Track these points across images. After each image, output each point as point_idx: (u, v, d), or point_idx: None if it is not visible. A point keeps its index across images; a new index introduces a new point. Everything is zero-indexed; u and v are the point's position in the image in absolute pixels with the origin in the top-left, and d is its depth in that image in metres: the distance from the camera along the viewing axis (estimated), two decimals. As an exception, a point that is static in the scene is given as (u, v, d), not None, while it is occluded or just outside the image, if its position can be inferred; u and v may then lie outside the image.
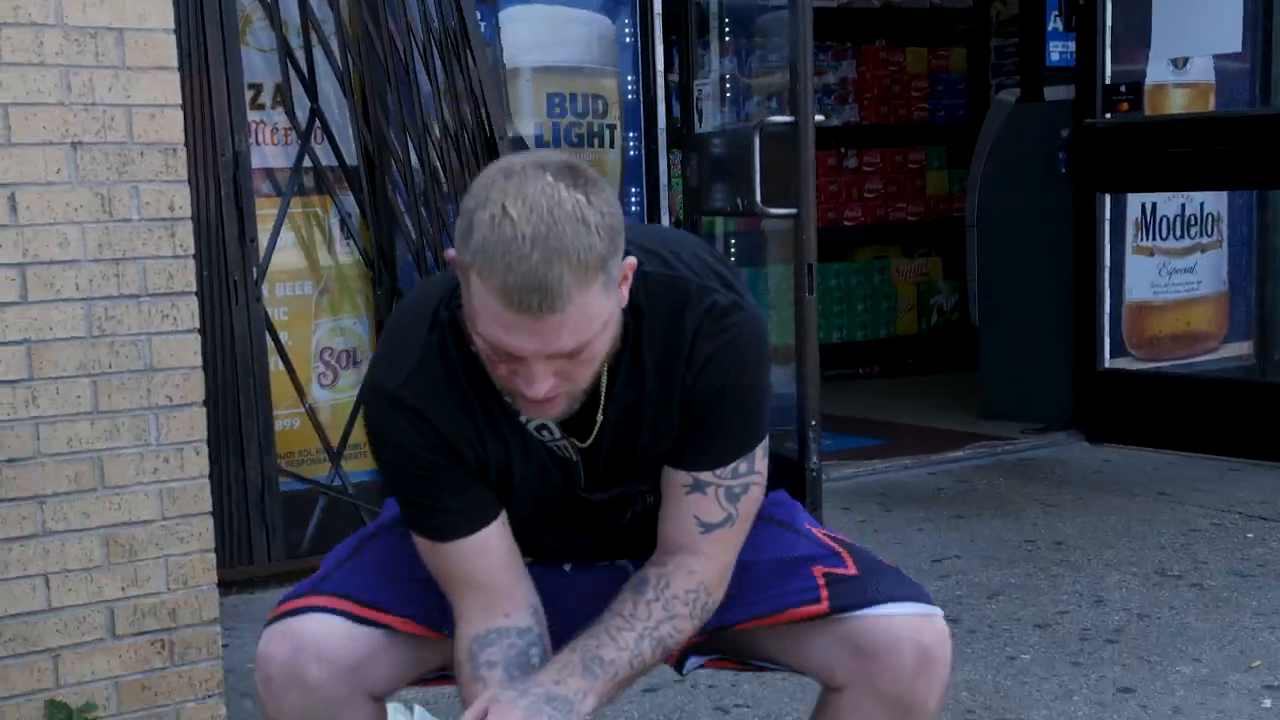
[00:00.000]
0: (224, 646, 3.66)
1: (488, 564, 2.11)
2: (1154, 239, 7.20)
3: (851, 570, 2.27)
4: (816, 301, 4.85)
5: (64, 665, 3.23)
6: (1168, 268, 7.26)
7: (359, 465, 5.20)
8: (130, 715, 3.31)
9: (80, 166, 3.20)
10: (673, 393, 2.09)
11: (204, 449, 3.39)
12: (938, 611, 2.25)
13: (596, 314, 1.90)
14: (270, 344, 4.89)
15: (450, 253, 2.03)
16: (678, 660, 2.34)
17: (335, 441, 5.11)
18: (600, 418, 2.10)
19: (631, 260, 1.99)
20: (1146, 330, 7.26)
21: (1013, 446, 6.93)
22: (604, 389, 2.08)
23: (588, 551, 2.30)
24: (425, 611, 2.21)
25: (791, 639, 2.26)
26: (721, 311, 2.07)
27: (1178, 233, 7.27)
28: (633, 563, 2.24)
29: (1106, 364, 7.09)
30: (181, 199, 3.32)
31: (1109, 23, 6.82)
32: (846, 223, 9.52)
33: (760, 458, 2.16)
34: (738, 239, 8.21)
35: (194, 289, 3.36)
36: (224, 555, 4.62)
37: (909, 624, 2.19)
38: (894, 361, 9.54)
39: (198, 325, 3.37)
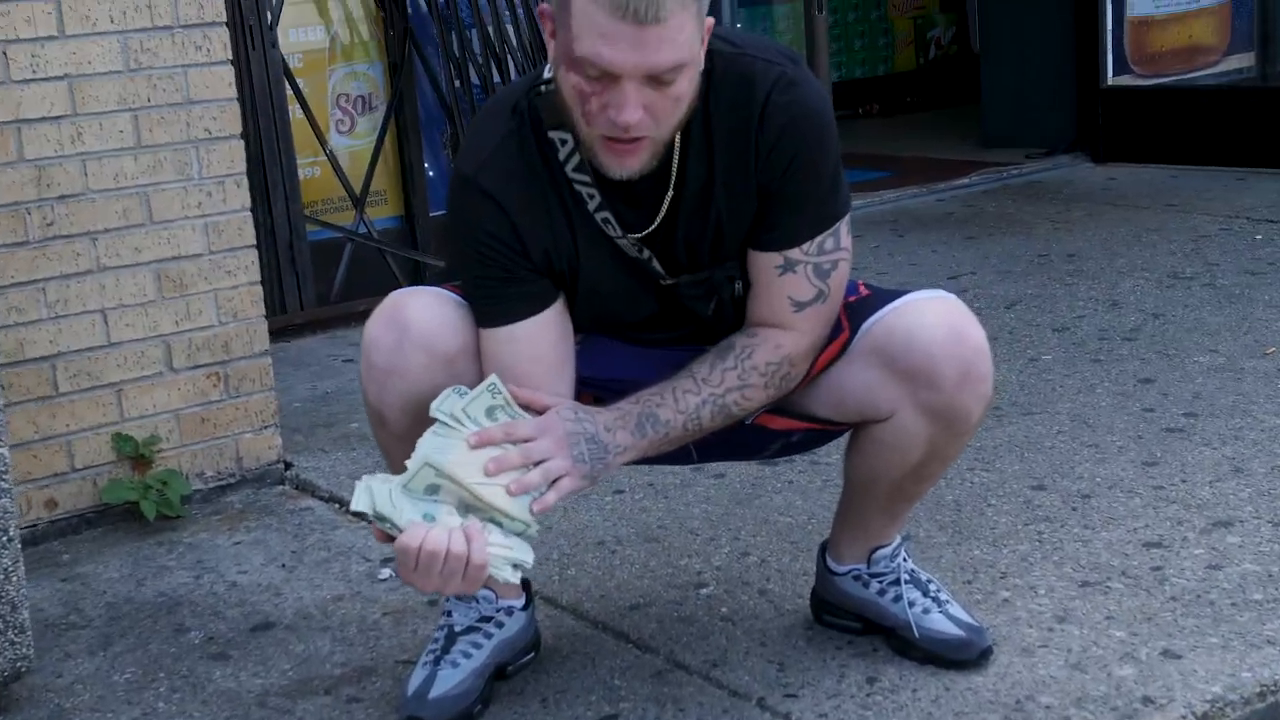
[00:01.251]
0: (269, 388, 3.77)
1: (516, 352, 2.17)
2: (1155, -49, 7.16)
3: (865, 292, 2.34)
4: (827, 20, 4.84)
5: (127, 399, 3.33)
6: (1169, -19, 7.23)
7: (382, 212, 5.27)
8: (191, 447, 3.42)
9: (107, -100, 3.20)
10: (748, 164, 2.14)
11: (244, 182, 3.44)
12: (954, 298, 2.28)
13: (690, 40, 1.97)
14: (289, 90, 4.91)
15: (544, 6, 2.08)
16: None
17: (358, 189, 5.16)
18: (670, 194, 2.15)
19: (710, 20, 2.05)
20: (1148, 46, 7.26)
21: (1018, 170, 6.98)
22: (675, 163, 2.13)
23: (678, 344, 2.32)
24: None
25: (832, 386, 2.30)
26: (790, 82, 2.13)
27: (1180, -57, 7.22)
28: None
29: (1109, 82, 7.11)
30: (200, -71, 3.33)
31: None
32: (842, -44, 9.41)
33: (845, 234, 2.21)
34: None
35: (224, 19, 3.38)
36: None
37: (942, 335, 2.20)
38: (893, 99, 9.50)
39: (230, 56, 3.39)
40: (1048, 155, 7.14)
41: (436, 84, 5.28)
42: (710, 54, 2.09)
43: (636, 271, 2.23)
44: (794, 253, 2.18)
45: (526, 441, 2.10)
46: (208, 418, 3.44)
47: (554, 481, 2.11)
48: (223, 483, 3.46)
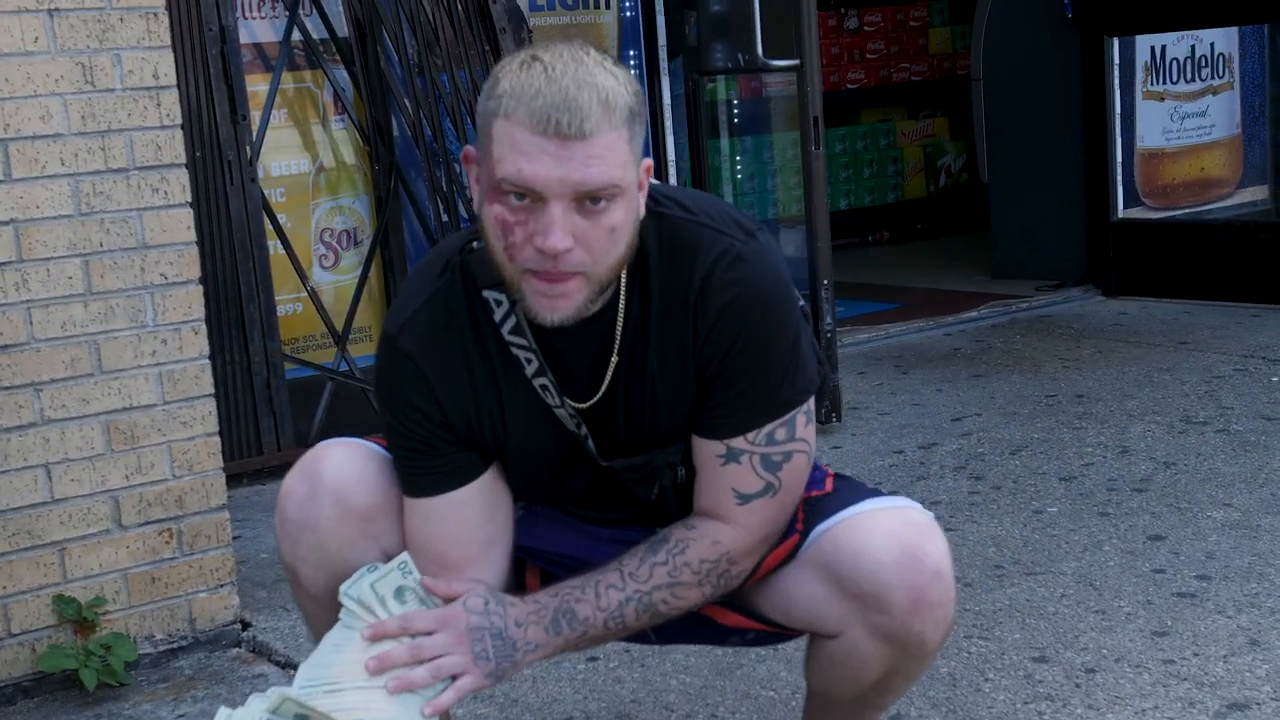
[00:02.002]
0: (235, 538, 3.59)
1: (435, 531, 2.03)
2: (1164, 83, 7.05)
3: (829, 489, 2.14)
4: (824, 155, 4.71)
5: (70, 559, 3.14)
6: (1179, 113, 7.12)
7: (365, 349, 5.10)
8: (141, 608, 3.23)
9: (58, 34, 3.06)
10: (686, 342, 1.97)
11: (202, 328, 3.28)
12: (917, 508, 2.07)
13: (622, 162, 1.82)
14: (268, 225, 4.77)
15: (467, 149, 1.95)
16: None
17: (340, 325, 5.01)
18: (615, 359, 1.98)
19: (649, 161, 1.91)
20: (1159, 178, 7.13)
21: (1028, 304, 6.82)
22: (620, 326, 1.97)
23: (622, 525, 2.16)
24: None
25: (778, 590, 2.11)
26: (736, 258, 1.95)
27: (1188, 75, 7.11)
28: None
29: (1120, 214, 6.97)
30: (166, 66, 3.19)
31: None
32: (849, 85, 9.34)
33: (803, 425, 2.02)
34: (740, 107, 8.08)
35: (183, 160, 3.23)
36: (232, 447, 4.54)
37: (893, 557, 1.98)
38: (903, 226, 9.41)
39: (189, 199, 3.25)
40: (1058, 288, 6.98)
41: (424, 219, 5.15)
42: (660, 217, 1.94)
43: (572, 446, 2.05)
44: (738, 442, 1.99)
45: (426, 634, 1.95)
46: (159, 577, 3.25)
47: (454, 679, 1.95)
48: (173, 645, 3.26)
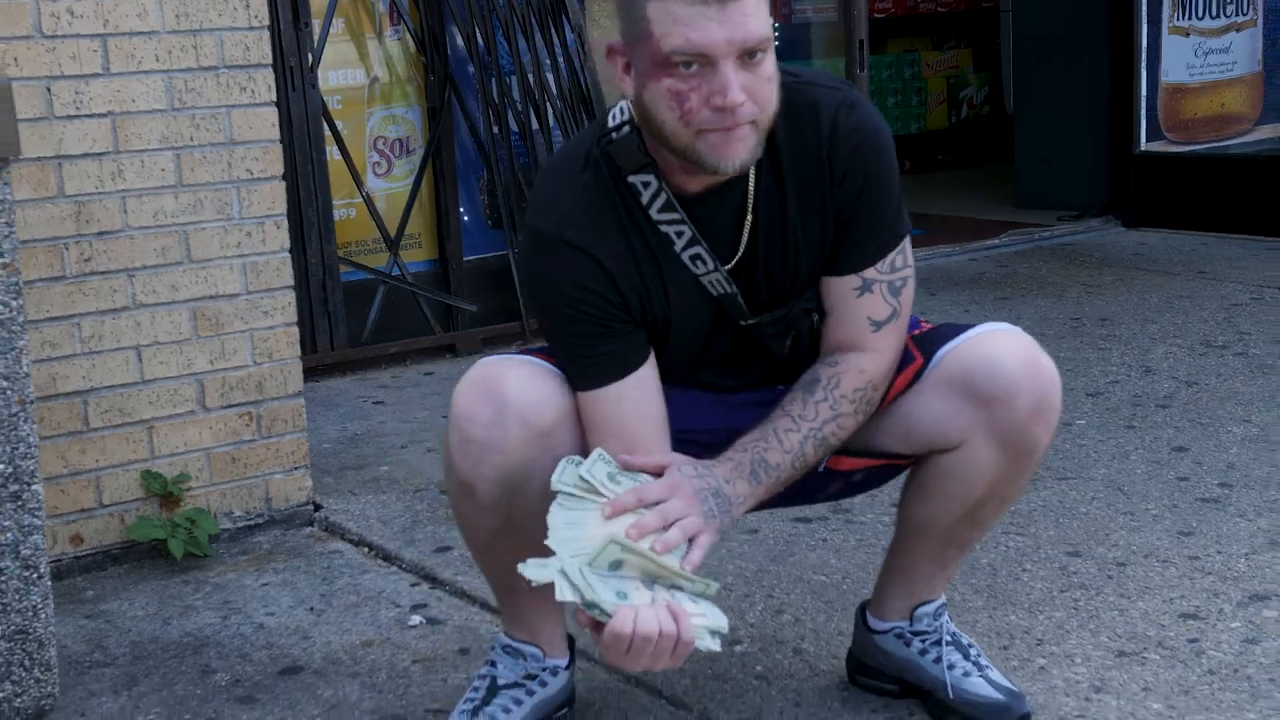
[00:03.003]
0: (302, 429, 3.76)
1: (623, 413, 2.15)
2: (1190, 18, 7.16)
3: (927, 326, 2.35)
4: (868, 79, 4.84)
5: (158, 437, 3.32)
6: (1203, 48, 7.23)
7: (416, 255, 5.26)
8: (221, 487, 3.41)
9: (152, -60, 3.21)
10: (823, 191, 2.15)
11: (284, 223, 3.44)
12: (1027, 336, 2.28)
13: (766, 19, 2.00)
14: (327, 132, 4.92)
15: (611, 43, 2.09)
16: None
17: (393, 231, 5.16)
18: (749, 219, 2.16)
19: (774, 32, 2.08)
20: (1181, 113, 7.25)
21: (1050, 233, 6.97)
22: (751, 189, 2.14)
23: (748, 388, 2.33)
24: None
25: (901, 415, 2.29)
26: (851, 105, 2.16)
27: (1214, 11, 7.23)
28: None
29: (1142, 147, 7.10)
30: (251, -31, 3.34)
31: None
32: (876, 15, 9.42)
33: (909, 250, 2.23)
34: (779, 31, 8.16)
35: (269, 61, 3.39)
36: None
37: (1020, 365, 2.21)
38: (924, 157, 9.51)
39: (274, 98, 3.40)
40: (1079, 219, 7.13)
41: (475, 130, 5.29)
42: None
43: (717, 313, 2.22)
44: (870, 272, 2.19)
45: (658, 504, 2.09)
46: (238, 457, 3.43)
47: (691, 540, 2.09)
48: (251, 523, 3.45)
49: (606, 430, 2.15)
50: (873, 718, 2.43)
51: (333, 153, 4.99)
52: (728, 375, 2.31)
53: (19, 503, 2.41)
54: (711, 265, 2.16)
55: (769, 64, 2.02)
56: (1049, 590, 2.94)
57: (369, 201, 5.11)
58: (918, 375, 2.27)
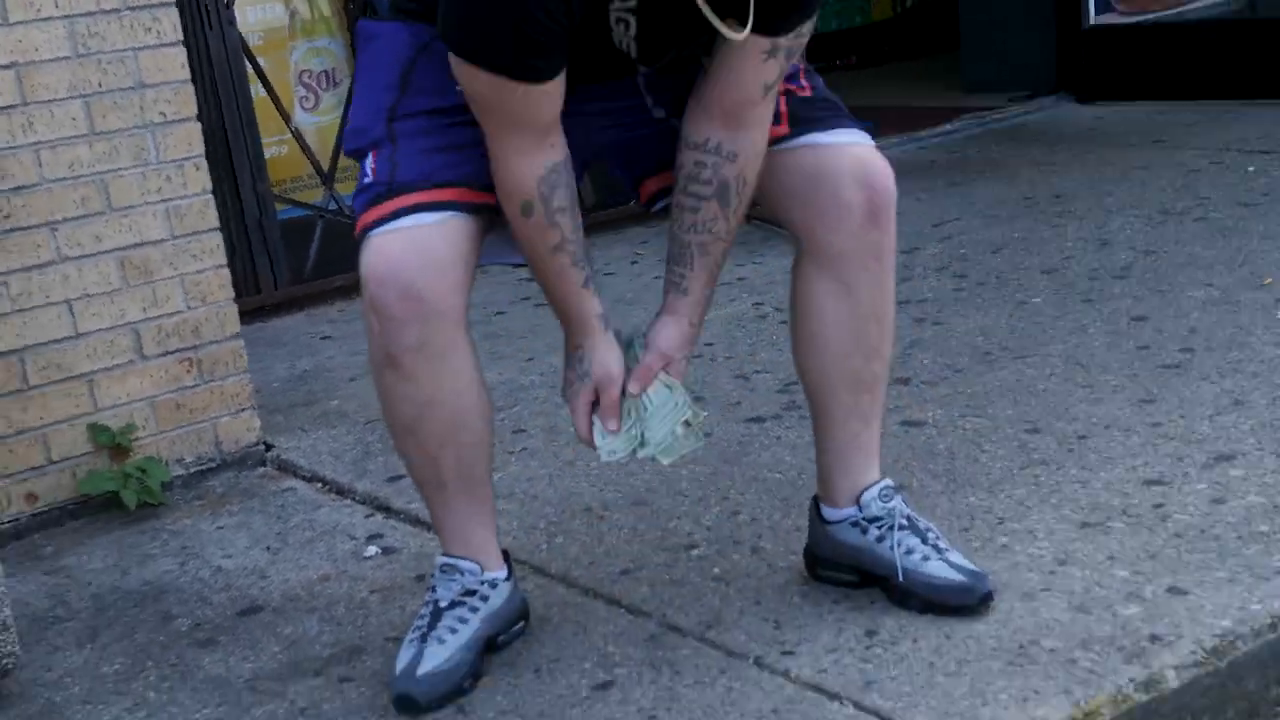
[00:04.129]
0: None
1: (553, 106, 2.11)
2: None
3: (807, 91, 2.32)
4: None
5: (99, 389, 3.25)
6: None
7: (350, 187, 5.13)
8: (169, 434, 3.35)
9: (44, -125, 3.11)
10: None
11: (204, 165, 3.36)
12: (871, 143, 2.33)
13: None
14: (249, 69, 4.81)
15: None
16: (649, 198, 2.42)
17: (326, 165, 5.07)
18: None
19: None
20: (1129, -18, 7.16)
21: (1001, 115, 6.90)
22: None
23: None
24: (478, 174, 2.20)
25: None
26: None
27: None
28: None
29: (1092, 21, 7.01)
30: (148, -99, 3.24)
31: None
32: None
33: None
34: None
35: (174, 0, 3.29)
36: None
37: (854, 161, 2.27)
38: (870, 50, 9.40)
39: (180, 38, 3.31)
40: (1031, 99, 7.05)
41: (403, 55, 5.19)
42: None
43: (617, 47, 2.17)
44: (784, 40, 2.13)
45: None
46: (183, 403, 3.36)
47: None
48: (203, 468, 3.39)
49: (528, 121, 2.10)
50: (834, 609, 2.39)
51: (257, 90, 4.88)
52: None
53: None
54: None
55: None
56: (1008, 469, 2.89)
57: (299, 136, 5.01)
58: (773, 142, 2.27)
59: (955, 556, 2.37)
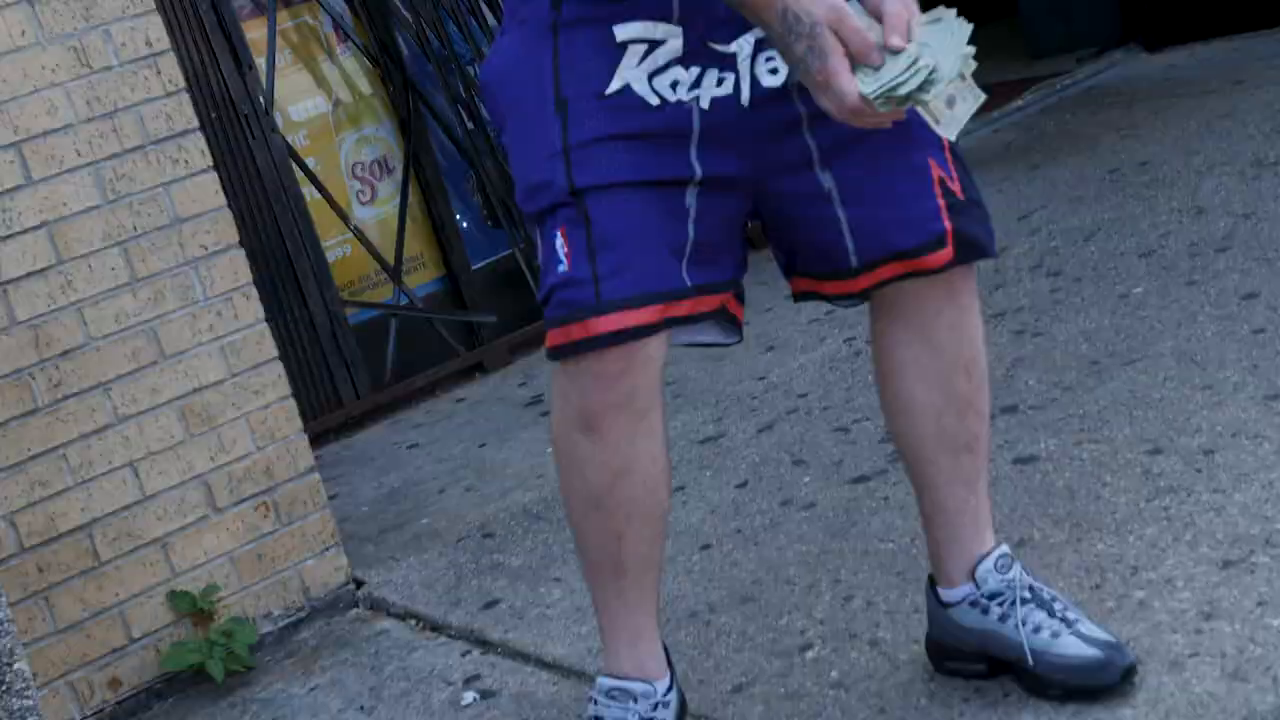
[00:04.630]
0: (332, 498, 3.56)
1: None
2: None
3: (957, 187, 2.16)
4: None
5: (174, 552, 3.13)
6: None
7: (421, 277, 5.03)
8: (252, 589, 3.21)
9: (43, 22, 3.00)
10: None
11: (253, 292, 3.24)
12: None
13: None
14: (298, 173, 4.70)
15: None
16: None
17: (391, 258, 4.93)
18: None
19: None
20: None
21: (1071, 79, 6.63)
22: None
23: None
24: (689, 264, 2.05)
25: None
26: None
27: None
28: None
29: (1152, -39, 6.72)
30: (156, 30, 3.13)
31: None
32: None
33: None
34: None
35: (196, 124, 3.17)
36: (312, 405, 4.49)
37: None
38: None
39: (210, 163, 3.19)
40: (1099, 56, 6.78)
41: (449, 130, 5.05)
42: None
43: None
44: None
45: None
46: (264, 553, 3.23)
47: None
48: (292, 619, 3.25)
49: None
50: (965, 708, 2.21)
51: (310, 193, 4.76)
52: None
53: (3, 687, 2.23)
54: None
55: None
56: (1134, 502, 2.69)
57: (360, 234, 4.88)
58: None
59: (1087, 627, 2.18)
